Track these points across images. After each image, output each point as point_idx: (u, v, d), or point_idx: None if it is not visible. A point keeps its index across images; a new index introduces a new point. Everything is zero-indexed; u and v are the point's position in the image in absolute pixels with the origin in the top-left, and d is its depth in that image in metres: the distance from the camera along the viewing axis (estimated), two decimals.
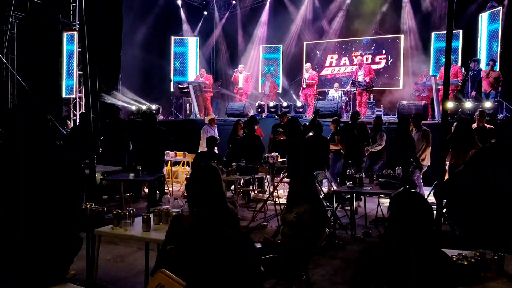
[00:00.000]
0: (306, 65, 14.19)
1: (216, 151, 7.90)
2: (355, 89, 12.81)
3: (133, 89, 14.20)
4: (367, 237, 5.96)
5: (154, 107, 13.26)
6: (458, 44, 13.36)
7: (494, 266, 2.70)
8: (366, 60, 15.45)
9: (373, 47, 15.56)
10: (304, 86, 13.74)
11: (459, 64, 12.31)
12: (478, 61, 11.72)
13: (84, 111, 12.89)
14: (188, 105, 14.66)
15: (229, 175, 6.98)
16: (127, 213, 3.76)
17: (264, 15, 16.71)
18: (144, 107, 13.51)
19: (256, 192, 7.99)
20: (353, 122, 8.52)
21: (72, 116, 13.26)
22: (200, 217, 2.65)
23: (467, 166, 4.56)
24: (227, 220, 2.72)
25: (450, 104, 10.50)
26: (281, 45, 16.44)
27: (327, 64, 16.33)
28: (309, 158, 5.97)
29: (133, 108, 13.55)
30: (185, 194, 7.92)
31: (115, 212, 3.76)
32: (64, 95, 13.56)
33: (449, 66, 4.20)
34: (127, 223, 3.70)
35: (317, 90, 15.23)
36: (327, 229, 3.71)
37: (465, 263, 2.64)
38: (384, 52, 15.32)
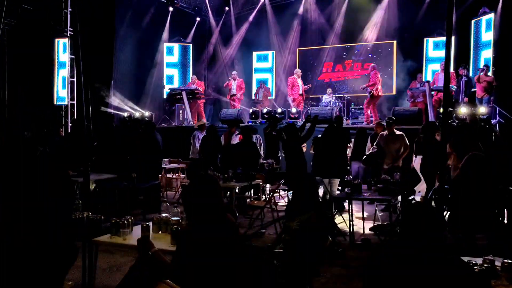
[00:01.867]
0: (298, 71, 14.11)
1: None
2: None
3: (125, 96, 14.09)
4: (367, 243, 5.91)
5: (147, 113, 13.17)
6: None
7: (504, 274, 2.66)
8: (358, 67, 15.57)
9: (366, 54, 15.61)
10: (301, 92, 13.68)
11: (451, 69, 12.35)
12: (468, 67, 11.78)
13: (76, 118, 12.77)
14: (181, 111, 14.59)
15: (226, 182, 6.90)
16: (125, 221, 3.68)
17: (257, 22, 16.72)
18: (137, 114, 13.40)
19: (252, 199, 7.91)
20: (337, 127, 8.21)
21: (63, 123, 13.11)
22: (198, 228, 2.60)
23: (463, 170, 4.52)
24: (226, 230, 2.67)
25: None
26: (273, 52, 16.45)
27: (321, 70, 16.35)
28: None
29: (125, 114, 13.44)
30: (181, 201, 7.83)
31: (113, 221, 3.67)
32: (55, 102, 13.41)
33: (449, 71, 4.19)
34: (125, 232, 3.61)
35: (310, 96, 15.30)
36: (329, 237, 3.65)
37: (475, 270, 2.59)
38: (376, 58, 15.34)
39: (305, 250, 3.34)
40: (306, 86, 13.93)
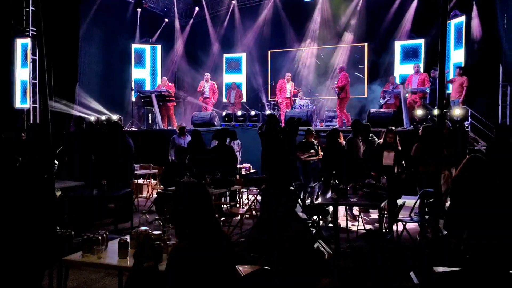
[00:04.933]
0: (289, 75, 13.61)
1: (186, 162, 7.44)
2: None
3: (91, 98, 13.51)
4: (354, 251, 5.64)
5: (115, 117, 12.61)
6: (421, 52, 13.57)
7: None
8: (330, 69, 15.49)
9: (338, 56, 15.51)
10: (288, 95, 13.33)
11: (422, 71, 12.37)
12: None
13: (38, 121, 12.10)
14: (150, 115, 14.12)
15: None
16: (100, 237, 3.28)
17: (227, 23, 16.45)
18: (103, 117, 12.82)
19: (230, 205, 7.55)
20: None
21: (25, 128, 12.40)
22: (194, 243, 2.28)
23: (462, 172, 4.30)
24: (223, 243, 2.38)
25: (419, 112, 10.52)
26: (245, 54, 16.18)
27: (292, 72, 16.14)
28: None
29: (92, 118, 12.83)
30: (153, 209, 7.39)
31: (85, 237, 3.26)
32: (16, 106, 12.69)
33: (444, 74, 3.99)
34: (100, 249, 3.21)
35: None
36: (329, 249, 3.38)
37: None
38: (347, 61, 15.24)
39: (302, 266, 3.07)
40: (296, 90, 13.63)
